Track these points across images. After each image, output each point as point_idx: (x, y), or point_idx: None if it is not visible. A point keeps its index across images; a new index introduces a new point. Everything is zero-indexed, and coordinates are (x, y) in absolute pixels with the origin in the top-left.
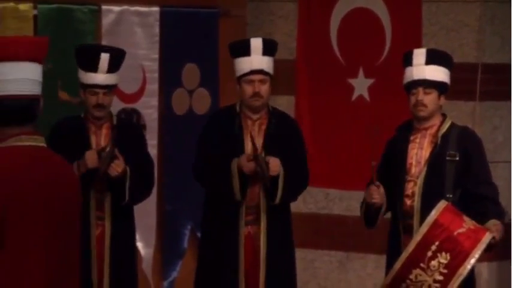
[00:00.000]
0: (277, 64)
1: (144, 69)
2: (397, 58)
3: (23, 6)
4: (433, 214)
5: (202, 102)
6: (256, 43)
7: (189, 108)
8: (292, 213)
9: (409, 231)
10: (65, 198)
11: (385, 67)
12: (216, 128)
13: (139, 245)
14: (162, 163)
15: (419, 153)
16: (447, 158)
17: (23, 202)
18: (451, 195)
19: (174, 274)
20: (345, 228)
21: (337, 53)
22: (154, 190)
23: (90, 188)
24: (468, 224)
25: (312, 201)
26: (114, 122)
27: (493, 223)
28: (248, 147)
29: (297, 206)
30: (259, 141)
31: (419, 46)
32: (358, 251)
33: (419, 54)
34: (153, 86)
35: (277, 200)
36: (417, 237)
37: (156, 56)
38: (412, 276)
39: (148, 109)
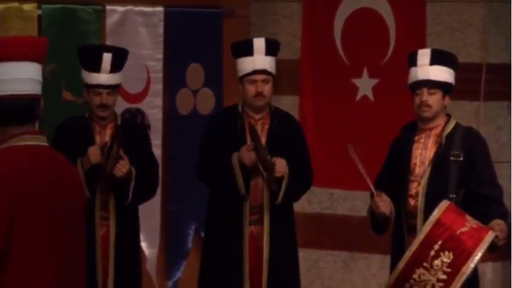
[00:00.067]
0: (281, 64)
1: (149, 69)
2: (402, 58)
3: (27, 6)
4: (436, 213)
5: (206, 102)
6: (259, 43)
7: (193, 108)
8: (296, 213)
9: (413, 231)
10: (69, 198)
11: (390, 67)
12: (219, 128)
13: (143, 245)
14: (166, 163)
15: (423, 153)
16: (451, 158)
17: (27, 202)
18: (454, 196)
19: (178, 274)
20: (349, 228)
21: (342, 53)
22: (159, 190)
23: (96, 186)
24: (471, 223)
25: (316, 201)
26: (119, 122)
27: (497, 223)
28: None
29: (301, 206)
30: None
31: (423, 46)
32: (362, 251)
33: (424, 55)
34: (157, 86)
35: (279, 199)
36: (420, 237)
37: (160, 56)
38: (415, 276)
39: (153, 109)
